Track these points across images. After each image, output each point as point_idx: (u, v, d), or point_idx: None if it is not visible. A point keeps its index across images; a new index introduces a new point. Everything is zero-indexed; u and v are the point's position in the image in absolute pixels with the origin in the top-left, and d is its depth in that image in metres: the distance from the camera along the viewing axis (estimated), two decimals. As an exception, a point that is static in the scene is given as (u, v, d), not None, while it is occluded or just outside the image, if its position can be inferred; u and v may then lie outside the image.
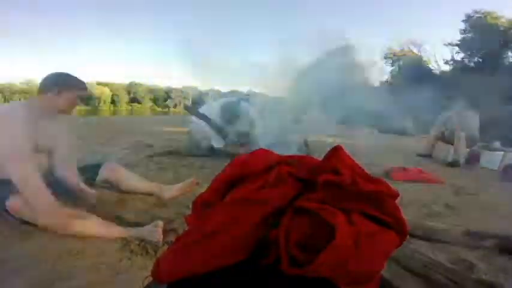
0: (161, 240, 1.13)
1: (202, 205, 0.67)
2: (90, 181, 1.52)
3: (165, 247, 1.09)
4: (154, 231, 1.14)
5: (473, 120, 4.09)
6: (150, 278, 0.61)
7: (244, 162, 0.65)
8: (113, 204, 1.49)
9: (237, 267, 0.49)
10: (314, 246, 0.45)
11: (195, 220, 0.64)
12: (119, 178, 1.58)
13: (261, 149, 0.70)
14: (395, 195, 0.51)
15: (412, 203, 1.91)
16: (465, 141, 3.90)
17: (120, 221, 1.30)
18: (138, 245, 1.08)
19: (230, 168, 0.67)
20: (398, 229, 0.49)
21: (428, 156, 4.41)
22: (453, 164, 3.78)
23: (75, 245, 1.05)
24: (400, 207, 0.50)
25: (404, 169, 2.86)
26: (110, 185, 1.61)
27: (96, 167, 1.58)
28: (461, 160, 3.90)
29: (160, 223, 1.18)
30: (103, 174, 1.56)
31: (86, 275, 0.89)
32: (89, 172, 1.55)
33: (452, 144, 4.09)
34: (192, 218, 0.67)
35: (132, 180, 1.61)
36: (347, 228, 0.45)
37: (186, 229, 0.60)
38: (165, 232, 1.17)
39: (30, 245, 1.04)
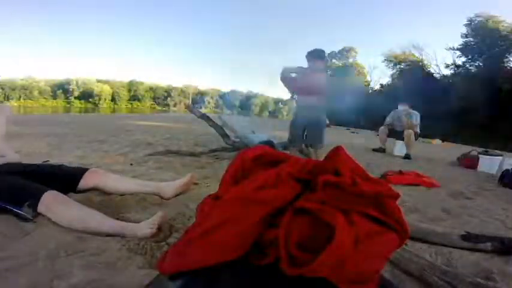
0: (149, 234, 1.12)
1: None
2: (69, 190, 1.40)
3: (165, 247, 1.09)
4: (144, 227, 1.14)
5: (415, 118, 4.69)
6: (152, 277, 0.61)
7: (244, 158, 0.66)
8: (113, 204, 1.48)
9: (237, 267, 0.49)
10: (314, 246, 0.46)
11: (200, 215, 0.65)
12: (108, 184, 1.50)
13: (261, 146, 0.70)
14: (396, 196, 0.51)
15: (409, 206, 1.91)
16: (413, 136, 4.55)
17: (120, 220, 1.29)
18: (138, 244, 1.08)
19: (231, 167, 0.67)
20: (399, 230, 0.49)
21: (382, 151, 5.03)
22: (407, 157, 4.40)
23: (74, 244, 1.05)
24: (400, 208, 0.50)
25: (401, 172, 2.86)
26: (101, 191, 1.52)
27: (76, 174, 1.47)
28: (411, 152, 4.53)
29: (156, 218, 1.18)
30: (88, 182, 1.47)
31: (85, 273, 0.89)
32: (68, 180, 1.44)
33: (399, 140, 4.83)
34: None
35: (124, 183, 1.55)
36: (347, 228, 0.46)
37: (191, 224, 0.61)
38: (161, 229, 1.17)
39: (29, 243, 1.04)
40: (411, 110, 4.78)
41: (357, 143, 6.87)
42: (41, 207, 1.16)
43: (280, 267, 0.46)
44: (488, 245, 1.25)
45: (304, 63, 3.06)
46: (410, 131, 4.54)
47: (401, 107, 4.85)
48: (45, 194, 1.18)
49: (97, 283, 0.85)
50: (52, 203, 1.17)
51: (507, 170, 3.14)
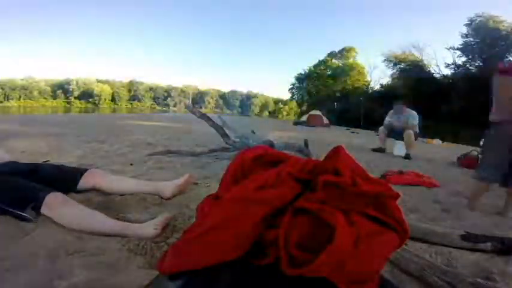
0: (153, 235, 1.12)
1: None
2: (68, 190, 1.40)
3: (165, 247, 1.09)
4: (148, 227, 1.14)
5: (414, 119, 4.67)
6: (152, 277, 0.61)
7: (244, 158, 0.66)
8: (113, 204, 1.47)
9: (237, 267, 0.49)
10: (314, 246, 0.46)
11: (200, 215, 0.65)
12: (108, 184, 1.50)
13: (261, 146, 0.70)
14: (396, 196, 0.51)
15: (409, 206, 1.91)
16: (413, 137, 4.54)
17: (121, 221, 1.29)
18: (138, 244, 1.08)
19: (231, 167, 0.67)
20: (399, 230, 0.49)
21: (381, 151, 5.00)
22: (407, 157, 4.42)
23: (74, 244, 1.05)
24: (400, 208, 0.50)
25: (401, 172, 2.85)
26: (101, 192, 1.52)
27: (76, 174, 1.48)
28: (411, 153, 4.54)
29: (161, 219, 1.18)
30: (88, 182, 1.48)
31: (85, 273, 0.89)
32: (68, 180, 1.45)
33: (399, 140, 4.80)
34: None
35: (124, 183, 1.56)
36: (346, 228, 0.46)
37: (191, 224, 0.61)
38: (164, 230, 1.17)
39: (29, 243, 1.04)
40: (409, 110, 4.77)
41: (356, 143, 6.87)
42: (44, 209, 1.16)
43: (280, 267, 0.46)
44: (488, 245, 1.25)
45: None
46: (411, 131, 4.54)
47: (397, 107, 4.84)
48: (48, 196, 1.18)
49: (97, 283, 0.85)
50: (55, 204, 1.17)
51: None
